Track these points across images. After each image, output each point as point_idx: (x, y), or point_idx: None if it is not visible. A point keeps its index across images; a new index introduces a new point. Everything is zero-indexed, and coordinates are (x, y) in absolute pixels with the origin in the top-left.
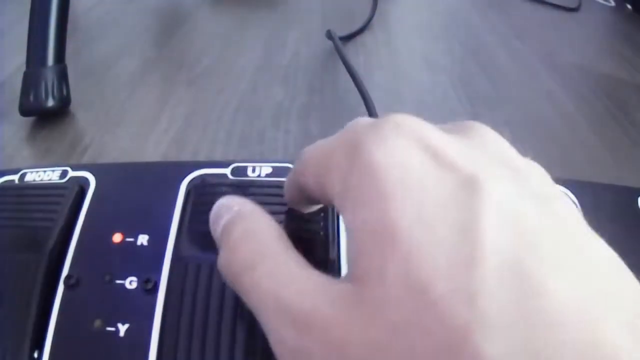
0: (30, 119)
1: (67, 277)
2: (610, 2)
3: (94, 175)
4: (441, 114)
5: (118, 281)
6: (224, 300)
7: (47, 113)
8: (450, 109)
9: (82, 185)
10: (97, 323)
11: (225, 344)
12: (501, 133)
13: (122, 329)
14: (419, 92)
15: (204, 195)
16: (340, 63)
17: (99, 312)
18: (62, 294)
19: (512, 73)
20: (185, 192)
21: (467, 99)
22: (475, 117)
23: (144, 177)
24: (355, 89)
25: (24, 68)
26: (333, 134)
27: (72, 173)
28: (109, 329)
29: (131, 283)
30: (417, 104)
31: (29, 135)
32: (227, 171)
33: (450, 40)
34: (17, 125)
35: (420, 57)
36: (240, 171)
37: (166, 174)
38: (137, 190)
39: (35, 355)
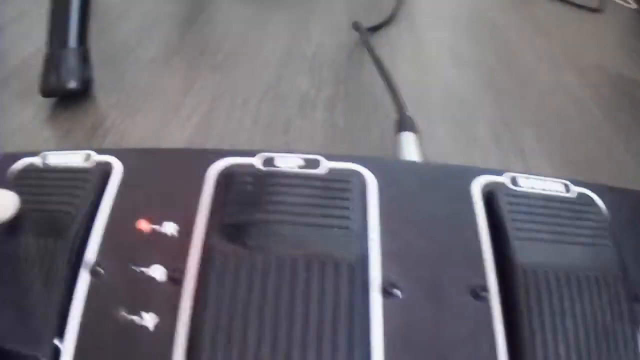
0: (51, 100)
1: (93, 264)
2: (630, 4)
3: (119, 159)
4: (468, 112)
5: (144, 270)
6: (252, 292)
7: (68, 95)
8: (477, 106)
9: (107, 169)
10: (122, 312)
11: (253, 335)
12: (526, 133)
13: (149, 318)
14: (445, 88)
15: (233, 185)
16: (365, 54)
17: (124, 300)
18: (86, 281)
19: (536, 72)
20: (215, 181)
21: (493, 96)
22: (501, 116)
23: (171, 163)
24: (381, 81)
25: (40, 50)
26: (359, 126)
27: (95, 157)
28: (134, 318)
29: (158, 272)
30: (444, 100)
31: (50, 117)
32: (256, 161)
33: (475, 35)
34: (38, 106)
35: (446, 51)
36: (269, 162)
37: (194, 161)
38: (164, 177)
39: (57, 342)
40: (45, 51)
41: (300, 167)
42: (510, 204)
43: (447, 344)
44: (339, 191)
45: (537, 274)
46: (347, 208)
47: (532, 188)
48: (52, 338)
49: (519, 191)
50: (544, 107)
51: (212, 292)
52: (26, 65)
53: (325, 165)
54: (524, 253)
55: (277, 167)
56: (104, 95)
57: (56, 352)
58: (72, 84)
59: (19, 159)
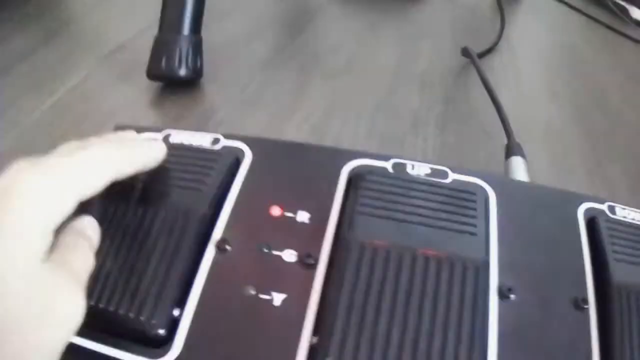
0: (155, 85)
1: (221, 241)
2: None
3: (249, 147)
4: (563, 145)
5: (276, 252)
6: (385, 281)
7: (177, 81)
8: (571, 140)
9: (237, 154)
10: (250, 289)
11: (384, 320)
12: (614, 169)
13: (278, 298)
14: (542, 120)
15: (365, 184)
16: (471, 78)
17: (252, 278)
18: (213, 256)
19: (624, 112)
20: (347, 179)
21: (585, 133)
22: (593, 151)
23: (304, 157)
24: (487, 105)
25: (144, 32)
26: (467, 146)
27: (224, 141)
28: (263, 296)
29: (290, 256)
30: (542, 132)
31: (156, 100)
32: (387, 165)
33: (569, 73)
34: (141, 88)
35: (543, 84)
36: (400, 167)
37: (327, 158)
38: (296, 170)
39: (176, 313)
40: (156, 35)
41: (429, 176)
42: (609, 229)
43: (550, 347)
44: (466, 201)
45: (629, 291)
46: (474, 217)
47: (626, 217)
48: (172, 306)
49: (616, 219)
50: (631, 146)
51: (348, 278)
52: (126, 47)
53: (452, 177)
54: (619, 273)
55: (407, 173)
56: (215, 87)
57: (175, 321)
58: (183, 71)
59: (138, 132)
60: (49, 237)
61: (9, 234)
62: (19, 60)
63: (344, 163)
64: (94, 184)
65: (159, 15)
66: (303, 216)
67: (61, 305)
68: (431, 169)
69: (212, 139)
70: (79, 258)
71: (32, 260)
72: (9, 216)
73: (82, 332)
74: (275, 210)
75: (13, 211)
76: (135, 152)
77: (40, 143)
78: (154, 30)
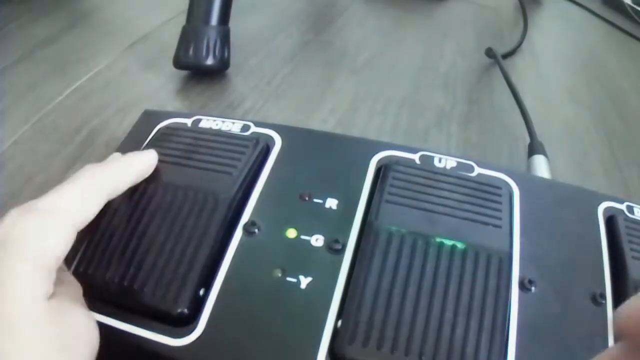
0: (181, 74)
1: (249, 224)
2: None
3: (279, 135)
4: (582, 146)
5: (304, 237)
6: (411, 268)
7: (203, 70)
8: (590, 142)
9: (267, 140)
10: (276, 272)
11: (410, 304)
12: (631, 171)
13: (304, 281)
14: (562, 121)
15: (394, 174)
16: (496, 78)
17: (279, 261)
18: (240, 239)
19: None
20: (376, 169)
21: (605, 135)
22: (611, 154)
23: (334, 147)
24: (510, 105)
25: (168, 23)
26: (490, 144)
27: (254, 128)
28: (289, 279)
29: (317, 241)
30: (561, 133)
31: (181, 89)
32: (415, 157)
33: (590, 78)
34: (166, 77)
35: (564, 88)
36: (427, 160)
37: (357, 148)
38: (325, 158)
39: (201, 292)
40: (184, 25)
41: (455, 169)
42: (627, 227)
43: (568, 338)
44: (492, 194)
45: None
46: (499, 210)
47: None
48: (197, 286)
49: (634, 219)
50: None
51: (374, 264)
52: (151, 37)
53: (477, 171)
54: (636, 270)
55: (434, 165)
56: (242, 78)
57: (200, 301)
58: (211, 61)
59: (165, 118)
60: (52, 276)
61: (12, 282)
62: (42, 46)
63: (374, 154)
64: (88, 212)
65: (183, 6)
66: (331, 203)
67: (77, 335)
68: (457, 162)
69: (242, 126)
70: (72, 282)
71: (39, 305)
72: (9, 266)
73: (107, 310)
74: (305, 197)
75: (12, 261)
76: (123, 169)
77: (62, 127)
78: (179, 21)
